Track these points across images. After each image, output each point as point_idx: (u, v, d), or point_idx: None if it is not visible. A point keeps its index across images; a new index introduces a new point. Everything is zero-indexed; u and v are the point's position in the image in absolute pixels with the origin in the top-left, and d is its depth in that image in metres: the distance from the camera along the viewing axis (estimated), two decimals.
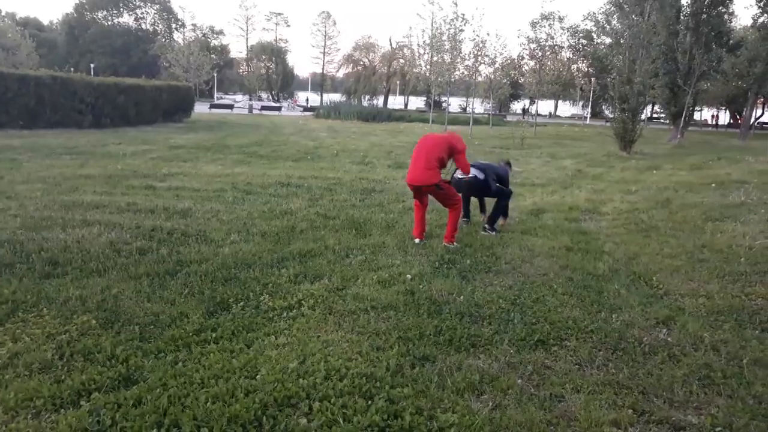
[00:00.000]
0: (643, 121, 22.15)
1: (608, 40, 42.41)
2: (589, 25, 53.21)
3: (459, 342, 3.71)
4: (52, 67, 31.19)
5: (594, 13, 49.98)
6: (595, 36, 52.35)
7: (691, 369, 3.45)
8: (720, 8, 27.55)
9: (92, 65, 57.10)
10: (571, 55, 58.03)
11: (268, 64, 79.95)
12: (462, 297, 4.53)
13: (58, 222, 6.35)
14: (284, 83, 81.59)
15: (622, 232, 7.23)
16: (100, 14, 76.09)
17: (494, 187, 6.98)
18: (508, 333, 3.89)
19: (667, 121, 35.26)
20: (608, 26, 41.55)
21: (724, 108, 55.51)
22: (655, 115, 58.61)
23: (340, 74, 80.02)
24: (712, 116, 58.35)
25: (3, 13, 67.87)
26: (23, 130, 18.06)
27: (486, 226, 6.99)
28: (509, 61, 33.11)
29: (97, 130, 20.10)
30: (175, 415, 2.77)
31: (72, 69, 40.04)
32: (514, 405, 3.01)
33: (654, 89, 21.93)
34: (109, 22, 76.62)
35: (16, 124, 18.58)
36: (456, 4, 29.44)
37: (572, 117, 65.02)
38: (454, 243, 6.16)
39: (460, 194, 6.55)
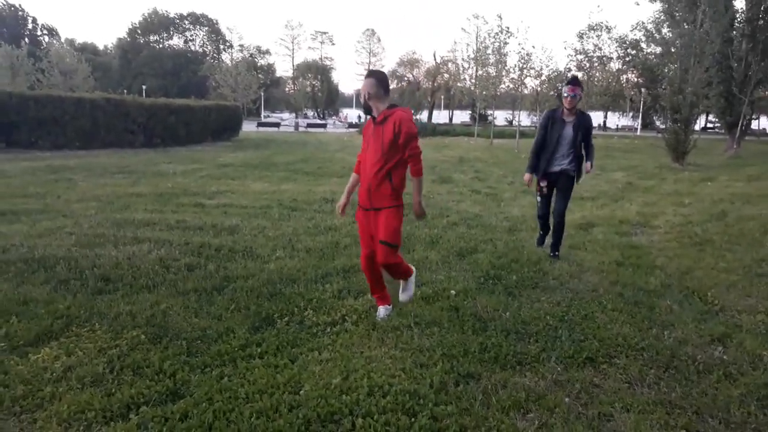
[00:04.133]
0: (697, 131, 21.48)
1: (658, 50, 41.39)
2: (639, 35, 52.14)
3: (504, 359, 3.64)
4: (107, 89, 32.53)
5: (643, 23, 48.90)
6: (644, 45, 51.17)
7: (748, 389, 3.30)
8: None
9: (144, 87, 59.14)
10: (620, 66, 56.96)
11: (314, 82, 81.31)
12: (508, 313, 4.46)
13: (111, 239, 6.55)
14: (329, 100, 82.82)
15: (675, 246, 7.00)
16: (151, 38, 79.06)
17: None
18: (555, 350, 3.80)
19: (723, 131, 34.15)
20: (658, 35, 40.51)
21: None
22: (709, 125, 56.85)
23: None
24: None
25: (62, 40, 71.15)
26: (79, 151, 18.85)
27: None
28: (556, 73, 32.72)
29: (148, 150, 20.78)
30: (221, 429, 2.80)
31: (125, 91, 41.60)
32: (561, 424, 2.92)
33: (708, 99, 21.25)
34: (160, 45, 79.44)
35: (72, 145, 19.42)
36: (500, 17, 29.41)
37: (622, 128, 63.67)
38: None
39: None
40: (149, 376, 3.33)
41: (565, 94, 5.99)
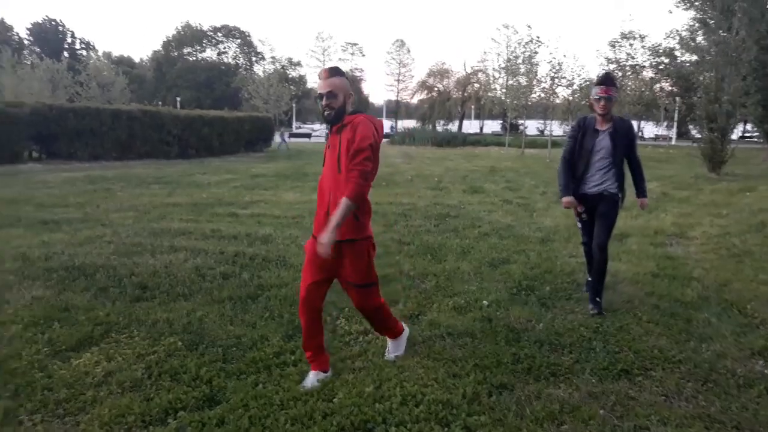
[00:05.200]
0: (734, 140, 20.99)
1: (693, 58, 40.66)
2: (673, 42, 51.25)
3: (538, 370, 3.62)
4: (142, 101, 33.27)
5: (677, 31, 48.06)
6: (678, 54, 50.28)
7: None
8: None
9: (178, 99, 60.15)
10: (653, 75, 56.05)
11: None
12: (541, 325, 4.43)
13: (148, 248, 6.69)
14: (359, 111, 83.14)
15: (713, 257, 6.86)
16: (185, 50, 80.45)
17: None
18: (589, 362, 3.76)
19: (761, 140, 33.32)
20: (693, 43, 39.77)
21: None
22: (747, 134, 55.52)
23: (415, 101, 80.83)
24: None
25: (100, 53, 72.95)
26: (116, 162, 19.31)
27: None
28: (588, 83, 32.41)
29: (183, 161, 21.17)
30: None
31: (160, 103, 42.44)
32: None
33: (745, 107, 20.73)
34: (194, 58, 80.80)
35: (110, 156, 19.93)
36: (530, 27, 29.30)
37: (656, 138, 62.58)
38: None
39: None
40: (186, 382, 3.40)
41: (597, 96, 4.74)
